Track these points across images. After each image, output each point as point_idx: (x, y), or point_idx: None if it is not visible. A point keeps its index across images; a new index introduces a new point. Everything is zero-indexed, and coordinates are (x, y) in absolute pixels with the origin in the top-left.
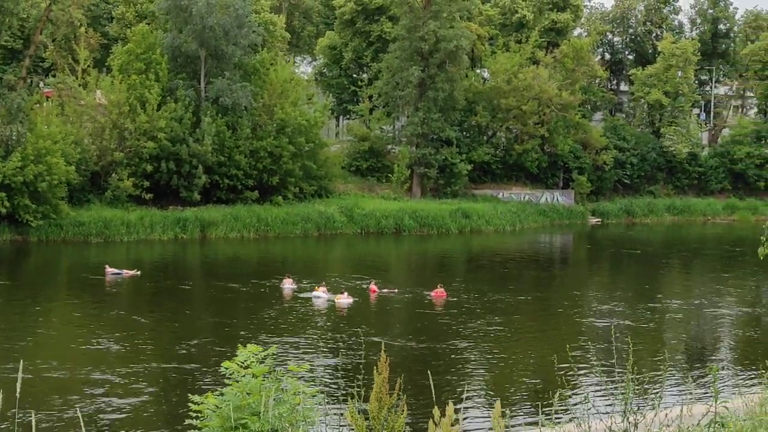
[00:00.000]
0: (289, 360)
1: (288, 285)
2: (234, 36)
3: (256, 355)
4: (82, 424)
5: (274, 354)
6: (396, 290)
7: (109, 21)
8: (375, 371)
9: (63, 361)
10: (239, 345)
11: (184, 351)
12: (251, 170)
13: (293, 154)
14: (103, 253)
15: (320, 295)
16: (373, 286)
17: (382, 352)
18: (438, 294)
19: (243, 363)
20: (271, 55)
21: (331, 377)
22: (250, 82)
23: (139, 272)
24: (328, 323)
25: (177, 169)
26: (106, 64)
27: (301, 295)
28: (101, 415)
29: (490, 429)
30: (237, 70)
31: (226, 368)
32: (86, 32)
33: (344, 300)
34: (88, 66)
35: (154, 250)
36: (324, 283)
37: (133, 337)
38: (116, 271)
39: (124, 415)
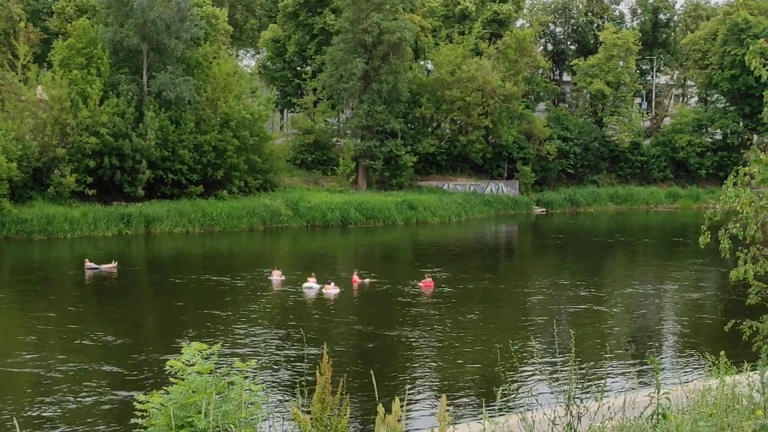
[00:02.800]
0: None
1: (276, 277)
2: (176, 30)
3: (201, 352)
4: (17, 426)
5: (219, 351)
6: (367, 281)
7: (49, 15)
8: (317, 372)
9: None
10: (184, 344)
11: (130, 347)
12: (195, 165)
13: (238, 147)
14: (46, 250)
15: (312, 286)
16: (355, 277)
17: (325, 353)
18: (426, 284)
19: (188, 361)
20: (214, 48)
21: (294, 371)
22: (193, 76)
23: (116, 263)
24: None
25: (120, 164)
26: (47, 59)
27: (286, 287)
28: (42, 414)
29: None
30: (179, 64)
31: (172, 366)
32: (26, 27)
33: (331, 290)
34: (28, 61)
35: (98, 247)
36: (313, 274)
37: (81, 333)
38: (94, 266)
39: (69, 414)
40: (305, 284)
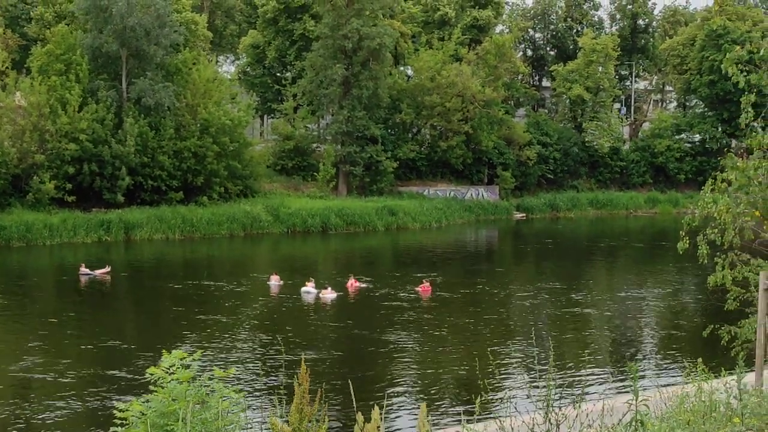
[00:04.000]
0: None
1: (275, 282)
2: (155, 36)
3: (181, 360)
4: None
5: (199, 359)
6: (363, 285)
7: (28, 22)
8: (295, 382)
9: None
10: (164, 351)
11: (111, 353)
12: (175, 171)
13: (218, 153)
14: (25, 257)
15: (310, 290)
16: (351, 281)
17: (303, 362)
18: (424, 289)
19: (168, 369)
20: (194, 54)
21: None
22: (173, 82)
23: (109, 268)
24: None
25: (100, 170)
26: (26, 65)
27: (285, 292)
28: (22, 420)
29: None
30: (159, 70)
31: (152, 374)
32: (4, 33)
33: (328, 295)
34: (7, 67)
35: (77, 253)
36: (312, 278)
37: (69, 338)
38: (88, 272)
39: (50, 421)
40: (303, 289)
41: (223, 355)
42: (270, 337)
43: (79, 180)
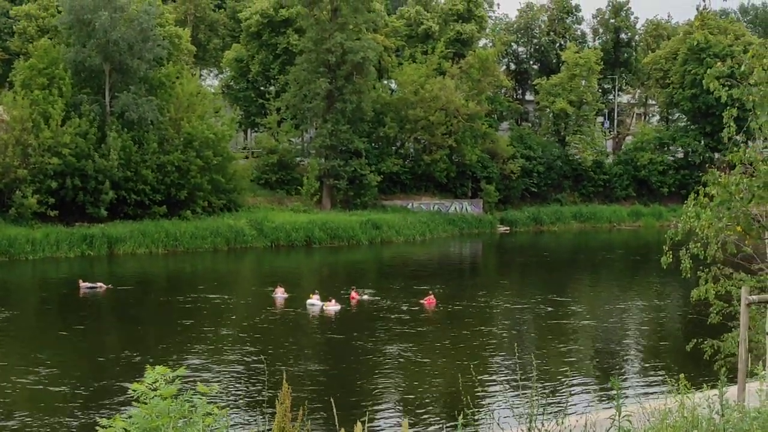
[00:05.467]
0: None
1: (280, 294)
2: (139, 50)
3: (164, 376)
4: None
5: (182, 375)
6: (366, 297)
7: (11, 36)
8: (277, 401)
9: None
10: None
11: (94, 367)
12: (159, 185)
13: (201, 167)
14: (7, 272)
15: (315, 303)
16: (353, 293)
17: (284, 381)
18: (429, 301)
19: (151, 385)
20: (177, 68)
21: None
22: (156, 96)
23: (106, 286)
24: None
25: (83, 185)
26: (8, 79)
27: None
28: None
29: None
30: (142, 84)
31: (135, 390)
32: None
33: (332, 307)
34: None
35: (60, 268)
36: (316, 291)
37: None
38: (90, 285)
39: None
40: (308, 301)
41: (218, 368)
42: (270, 350)
43: (62, 194)
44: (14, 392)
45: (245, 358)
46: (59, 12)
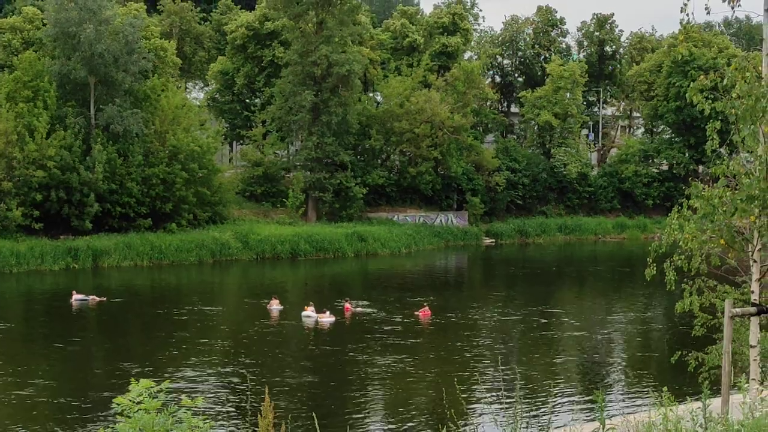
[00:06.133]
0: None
1: (275, 306)
2: (124, 62)
3: (148, 390)
4: None
5: (167, 389)
6: (359, 309)
7: None
8: (259, 416)
9: None
10: (132, 379)
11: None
12: (144, 197)
13: (186, 180)
14: None
15: (310, 315)
16: (347, 305)
17: (267, 394)
18: (424, 313)
19: (135, 398)
20: (162, 81)
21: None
22: (141, 109)
23: (101, 299)
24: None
25: (68, 197)
26: None
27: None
28: None
29: None
30: (127, 97)
31: (118, 404)
32: None
33: (326, 319)
34: None
35: (45, 281)
36: (312, 303)
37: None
38: (83, 297)
39: None
40: (303, 313)
41: (208, 381)
42: (261, 362)
43: (46, 207)
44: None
45: (236, 371)
46: (44, 25)
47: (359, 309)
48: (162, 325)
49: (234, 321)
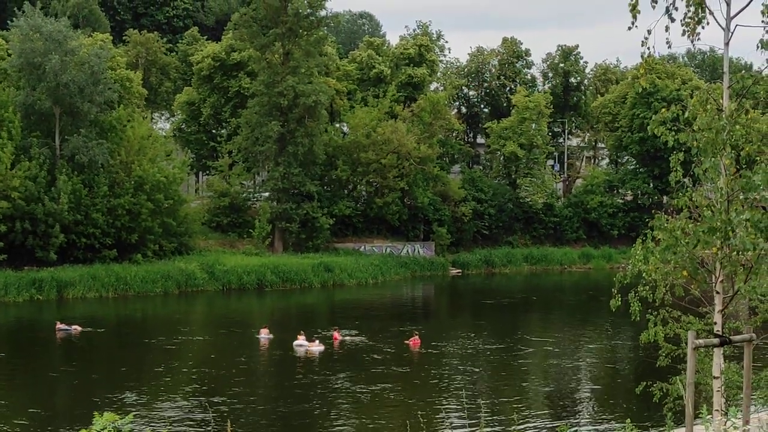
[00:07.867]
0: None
1: (264, 335)
2: (89, 93)
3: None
4: None
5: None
6: (348, 338)
7: None
8: None
9: None
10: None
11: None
12: (109, 228)
13: (152, 211)
14: None
15: (302, 344)
16: (336, 334)
17: (229, 424)
18: (414, 342)
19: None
20: (128, 111)
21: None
22: (107, 139)
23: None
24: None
25: (32, 228)
26: None
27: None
28: None
29: None
30: (93, 127)
31: None
32: None
33: (315, 347)
34: None
35: (9, 313)
36: (302, 332)
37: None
38: (66, 327)
39: None
40: (295, 342)
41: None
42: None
43: (11, 238)
44: None
45: (210, 401)
46: (9, 55)
47: (347, 338)
48: (127, 357)
49: (220, 350)
